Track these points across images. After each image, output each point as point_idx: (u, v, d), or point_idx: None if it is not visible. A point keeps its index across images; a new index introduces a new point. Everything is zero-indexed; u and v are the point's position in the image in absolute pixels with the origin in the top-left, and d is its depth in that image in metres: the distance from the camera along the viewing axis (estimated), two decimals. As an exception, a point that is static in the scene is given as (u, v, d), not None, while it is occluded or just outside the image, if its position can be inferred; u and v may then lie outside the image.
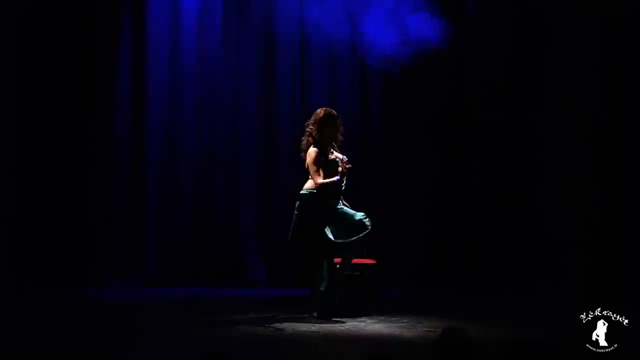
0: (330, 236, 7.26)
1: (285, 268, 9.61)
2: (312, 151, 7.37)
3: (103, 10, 9.42)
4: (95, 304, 8.57)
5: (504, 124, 9.42)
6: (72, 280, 9.07)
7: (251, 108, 9.78)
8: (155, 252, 9.55)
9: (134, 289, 9.22)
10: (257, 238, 9.75)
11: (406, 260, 9.55)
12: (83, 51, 9.31)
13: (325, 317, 7.21)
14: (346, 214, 7.41)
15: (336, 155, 7.40)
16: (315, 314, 7.30)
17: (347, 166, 7.33)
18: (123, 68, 9.52)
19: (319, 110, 7.54)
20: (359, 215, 7.37)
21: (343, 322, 7.09)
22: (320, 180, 7.29)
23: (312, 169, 7.34)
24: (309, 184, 7.37)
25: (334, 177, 7.33)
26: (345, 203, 7.52)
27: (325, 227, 7.28)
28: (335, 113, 7.52)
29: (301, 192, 7.38)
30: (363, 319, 7.29)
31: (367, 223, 7.31)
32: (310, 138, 7.46)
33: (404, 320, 7.24)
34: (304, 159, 7.46)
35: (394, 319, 7.30)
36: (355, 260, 7.54)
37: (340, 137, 7.53)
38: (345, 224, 7.33)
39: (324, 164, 7.36)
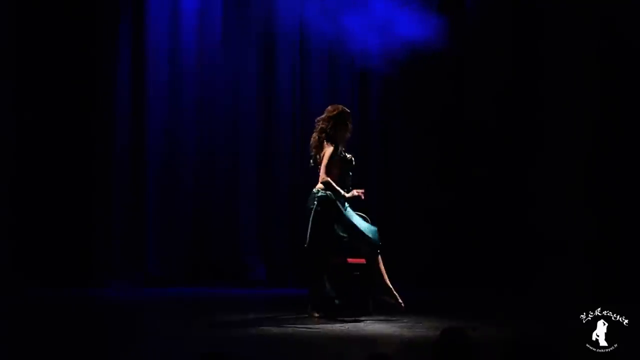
0: (344, 234, 7.26)
1: (285, 268, 9.61)
2: (330, 148, 7.28)
3: (102, 10, 9.41)
4: (95, 303, 8.56)
5: (503, 123, 9.42)
6: (72, 280, 9.06)
7: (251, 108, 9.77)
8: (155, 252, 9.54)
9: (134, 288, 9.22)
10: (257, 238, 9.75)
11: (406, 261, 9.53)
12: (83, 51, 9.30)
13: (330, 317, 7.19)
14: (358, 218, 7.39)
15: (354, 192, 7.34)
16: (317, 314, 7.28)
17: (362, 196, 7.29)
18: (123, 68, 9.51)
19: (332, 107, 7.49)
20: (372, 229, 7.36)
21: (343, 322, 7.09)
22: (329, 179, 7.24)
23: (324, 163, 7.26)
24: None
25: (343, 176, 7.28)
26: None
27: (341, 226, 7.26)
28: (349, 111, 7.50)
29: (320, 194, 7.29)
30: (363, 318, 7.28)
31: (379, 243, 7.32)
32: (323, 134, 7.38)
33: (404, 320, 7.23)
34: (314, 155, 7.42)
35: (394, 319, 7.29)
36: (354, 261, 7.52)
37: (349, 135, 7.50)
38: (355, 231, 7.31)
39: (336, 162, 7.32)
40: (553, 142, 9.15)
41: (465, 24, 9.55)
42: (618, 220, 8.90)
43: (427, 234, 9.60)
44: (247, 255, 9.69)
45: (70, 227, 9.22)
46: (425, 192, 9.61)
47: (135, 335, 6.78)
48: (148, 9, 9.56)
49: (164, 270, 9.53)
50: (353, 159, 7.43)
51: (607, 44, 8.94)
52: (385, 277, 7.34)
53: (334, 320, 7.16)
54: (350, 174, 7.43)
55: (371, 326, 7.02)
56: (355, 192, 7.36)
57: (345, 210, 7.36)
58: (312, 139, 7.48)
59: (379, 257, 7.36)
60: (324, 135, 7.36)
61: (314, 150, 7.44)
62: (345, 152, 7.43)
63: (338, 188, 7.28)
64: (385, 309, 7.47)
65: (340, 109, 7.45)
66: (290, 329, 6.83)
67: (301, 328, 6.87)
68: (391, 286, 7.33)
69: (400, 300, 7.32)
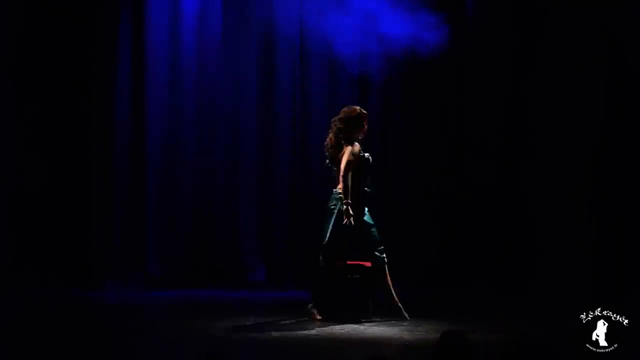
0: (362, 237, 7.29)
1: (285, 268, 9.60)
2: (350, 147, 7.28)
3: (102, 10, 9.41)
4: (95, 304, 8.57)
5: (503, 124, 9.42)
6: (72, 281, 9.07)
7: (251, 108, 9.76)
8: (155, 252, 9.54)
9: (134, 289, 9.21)
10: (257, 238, 9.74)
11: (406, 261, 9.52)
12: (83, 51, 9.30)
13: (330, 319, 7.19)
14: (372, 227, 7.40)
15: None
16: (318, 316, 7.27)
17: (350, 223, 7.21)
18: (123, 68, 9.51)
19: (348, 109, 7.51)
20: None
21: (343, 325, 7.08)
22: (348, 178, 7.20)
23: (343, 161, 7.24)
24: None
25: (362, 175, 7.30)
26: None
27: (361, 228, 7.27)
28: (366, 112, 7.50)
29: (340, 194, 7.26)
30: (363, 321, 7.26)
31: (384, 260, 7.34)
32: (341, 134, 7.38)
33: (404, 323, 7.22)
34: (330, 155, 7.41)
35: (394, 321, 7.27)
36: (354, 262, 7.50)
37: (363, 136, 7.50)
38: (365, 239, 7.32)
39: (355, 162, 7.30)
40: (553, 142, 9.14)
41: (466, 25, 9.54)
42: (618, 220, 8.90)
43: (427, 234, 9.58)
44: (247, 256, 9.68)
45: (70, 228, 9.22)
46: (425, 192, 9.60)
47: (135, 336, 6.77)
48: (148, 9, 9.56)
49: (164, 270, 9.52)
50: (370, 157, 7.43)
51: (607, 44, 8.93)
52: (393, 293, 7.37)
53: (334, 321, 7.15)
54: (369, 173, 7.43)
55: (371, 329, 7.01)
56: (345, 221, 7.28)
57: (365, 214, 7.38)
58: (327, 139, 7.48)
59: (387, 271, 7.38)
60: (341, 135, 7.36)
61: (330, 150, 7.43)
62: (362, 151, 7.45)
63: (348, 192, 7.21)
64: (385, 312, 7.46)
65: (359, 110, 7.49)
66: (290, 331, 6.82)
67: (301, 331, 6.86)
68: (400, 305, 7.35)
69: (405, 314, 7.35)
